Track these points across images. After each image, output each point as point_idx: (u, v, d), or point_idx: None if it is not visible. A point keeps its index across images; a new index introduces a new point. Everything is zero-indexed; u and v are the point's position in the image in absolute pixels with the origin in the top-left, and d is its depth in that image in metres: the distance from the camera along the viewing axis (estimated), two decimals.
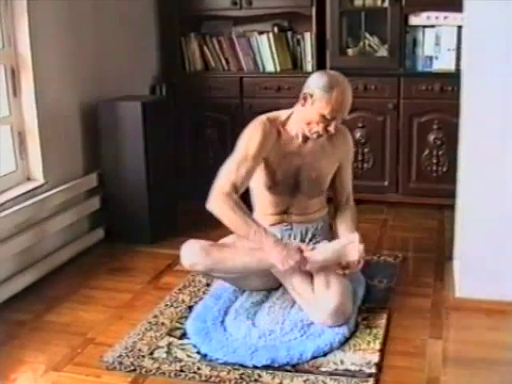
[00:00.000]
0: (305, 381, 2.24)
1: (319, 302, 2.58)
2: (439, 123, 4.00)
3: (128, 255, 3.50)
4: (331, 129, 2.67)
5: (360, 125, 4.08)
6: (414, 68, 4.06)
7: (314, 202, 2.92)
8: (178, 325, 2.67)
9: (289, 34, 4.31)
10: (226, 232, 2.76)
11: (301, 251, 2.61)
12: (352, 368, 2.30)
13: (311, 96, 2.64)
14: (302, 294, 2.67)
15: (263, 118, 2.78)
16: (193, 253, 2.74)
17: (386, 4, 3.97)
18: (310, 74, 4.08)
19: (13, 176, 3.26)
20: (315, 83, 2.67)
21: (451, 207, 3.18)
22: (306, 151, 2.81)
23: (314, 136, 2.72)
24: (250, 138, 2.72)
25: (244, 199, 2.79)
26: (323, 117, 2.64)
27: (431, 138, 4.04)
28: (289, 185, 2.83)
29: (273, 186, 2.83)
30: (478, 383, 2.28)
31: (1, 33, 3.14)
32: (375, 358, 2.37)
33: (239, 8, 4.18)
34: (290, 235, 2.89)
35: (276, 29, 4.31)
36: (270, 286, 2.85)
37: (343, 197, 2.97)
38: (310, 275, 2.70)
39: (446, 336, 2.57)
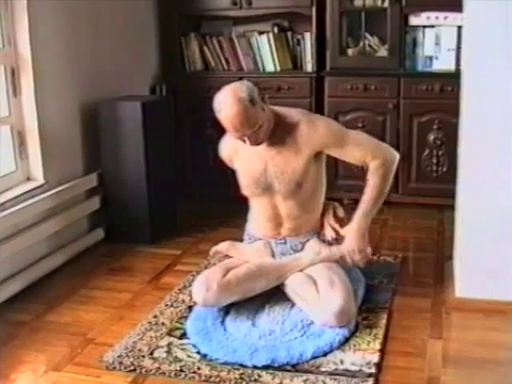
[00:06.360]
0: (305, 381, 2.25)
1: (324, 302, 2.57)
2: (439, 123, 4.00)
3: (128, 255, 3.50)
4: (250, 143, 2.64)
5: (360, 125, 4.06)
6: (414, 68, 4.06)
7: (306, 209, 2.82)
8: (178, 325, 2.67)
9: (289, 34, 4.31)
10: (225, 233, 2.76)
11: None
12: (352, 368, 2.30)
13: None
14: (306, 298, 2.67)
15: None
16: (212, 293, 2.64)
17: (386, 4, 3.97)
18: (309, 73, 4.17)
19: (13, 176, 3.26)
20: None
21: (451, 207, 3.18)
22: (265, 152, 2.74)
23: (248, 146, 2.67)
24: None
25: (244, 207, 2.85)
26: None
27: (431, 137, 4.04)
28: (260, 185, 2.76)
29: (244, 187, 2.81)
30: (477, 383, 2.27)
31: (1, 33, 3.14)
32: (375, 358, 2.37)
33: (239, 8, 4.19)
34: (282, 249, 2.85)
35: (276, 29, 4.31)
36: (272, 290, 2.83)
37: (361, 162, 2.72)
38: (310, 277, 2.71)
39: (446, 336, 2.57)
